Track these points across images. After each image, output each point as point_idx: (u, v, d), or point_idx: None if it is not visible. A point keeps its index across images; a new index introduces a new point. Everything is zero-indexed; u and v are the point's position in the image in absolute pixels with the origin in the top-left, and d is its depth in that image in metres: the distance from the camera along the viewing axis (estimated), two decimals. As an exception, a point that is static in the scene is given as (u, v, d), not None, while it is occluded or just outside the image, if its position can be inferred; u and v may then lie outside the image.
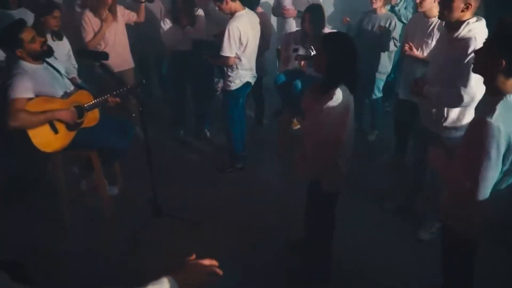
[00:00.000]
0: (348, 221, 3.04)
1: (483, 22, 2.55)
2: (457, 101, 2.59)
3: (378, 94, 4.40)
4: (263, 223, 3.29)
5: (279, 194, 3.65)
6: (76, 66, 3.85)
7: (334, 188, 2.52)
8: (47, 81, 2.88)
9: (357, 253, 2.96)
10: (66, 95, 2.97)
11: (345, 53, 2.29)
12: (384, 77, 4.35)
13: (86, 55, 3.35)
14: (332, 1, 5.28)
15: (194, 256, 1.46)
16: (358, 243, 3.06)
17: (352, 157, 2.50)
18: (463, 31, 2.53)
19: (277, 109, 4.88)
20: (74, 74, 3.76)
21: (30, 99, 2.75)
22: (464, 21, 2.55)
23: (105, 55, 3.02)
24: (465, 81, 2.52)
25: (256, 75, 3.89)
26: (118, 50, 4.07)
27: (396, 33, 4.04)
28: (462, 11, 2.52)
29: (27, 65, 2.83)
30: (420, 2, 3.29)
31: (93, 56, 3.27)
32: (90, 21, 3.94)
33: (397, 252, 3.02)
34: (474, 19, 2.54)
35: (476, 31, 2.53)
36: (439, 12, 2.63)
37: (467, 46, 2.49)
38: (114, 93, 3.07)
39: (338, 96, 2.24)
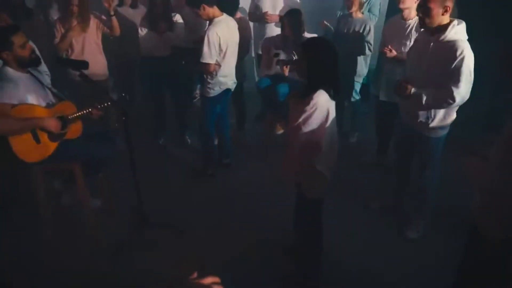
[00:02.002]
0: (335, 222, 3.06)
1: (464, 24, 2.65)
2: (450, 101, 2.67)
3: (356, 96, 4.47)
4: (253, 227, 3.28)
5: (267, 197, 3.64)
6: (49, 73, 3.73)
7: (316, 194, 2.51)
8: (30, 90, 2.81)
9: (347, 254, 3.00)
10: (49, 105, 2.90)
11: (325, 58, 2.30)
12: (361, 80, 4.42)
13: (65, 63, 3.25)
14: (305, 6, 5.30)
15: (195, 274, 1.40)
16: (347, 244, 3.09)
17: (337, 163, 2.48)
18: (449, 34, 2.62)
19: (258, 114, 4.85)
20: (48, 82, 3.64)
21: (14, 106, 2.69)
22: (447, 24, 2.64)
23: (85, 64, 2.92)
24: (456, 82, 2.61)
25: (236, 81, 3.86)
26: (88, 60, 3.94)
27: (370, 37, 4.09)
28: (442, 14, 2.61)
29: (12, 71, 2.78)
30: (403, 1, 3.38)
31: (72, 65, 3.17)
32: (60, 29, 3.93)
33: (386, 252, 3.07)
34: (456, 22, 2.64)
35: (461, 34, 2.64)
36: (420, 20, 2.70)
37: (456, 48, 2.58)
38: (99, 106, 3.01)
39: (316, 101, 2.24)
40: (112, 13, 4.01)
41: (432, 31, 2.70)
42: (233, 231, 3.26)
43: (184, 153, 4.52)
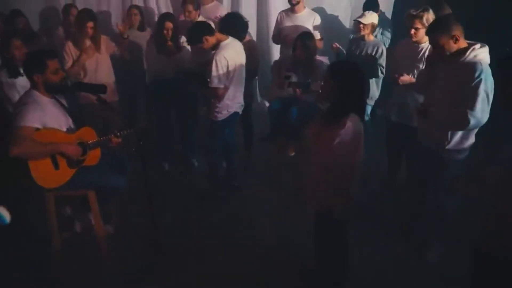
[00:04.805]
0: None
1: (487, 48, 2.69)
2: (464, 124, 2.69)
3: (365, 117, 4.46)
4: (267, 252, 3.23)
5: (278, 218, 3.61)
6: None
7: (346, 215, 2.52)
8: (53, 115, 2.80)
9: (363, 277, 2.95)
10: (69, 131, 2.88)
11: (354, 82, 2.35)
12: (372, 103, 4.42)
13: (82, 88, 3.24)
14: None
15: None
16: (362, 267, 3.03)
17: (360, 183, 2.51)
18: (469, 57, 2.66)
19: (265, 136, 4.83)
20: None
21: (37, 129, 2.66)
22: (467, 47, 2.68)
23: (103, 88, 2.89)
24: (471, 105, 2.63)
25: (243, 104, 3.83)
26: (100, 81, 3.88)
27: (383, 60, 4.11)
28: (455, 43, 2.67)
29: (39, 95, 2.78)
30: (414, 34, 3.42)
31: (90, 89, 3.12)
32: (71, 51, 3.94)
33: (403, 275, 3.04)
34: (479, 45, 2.68)
35: (481, 57, 2.67)
36: (440, 54, 2.74)
37: (474, 71, 2.61)
38: (118, 133, 2.99)
39: (351, 124, 2.29)
40: (125, 36, 4.09)
41: (450, 56, 2.74)
42: (245, 254, 3.21)
43: (191, 176, 4.45)
